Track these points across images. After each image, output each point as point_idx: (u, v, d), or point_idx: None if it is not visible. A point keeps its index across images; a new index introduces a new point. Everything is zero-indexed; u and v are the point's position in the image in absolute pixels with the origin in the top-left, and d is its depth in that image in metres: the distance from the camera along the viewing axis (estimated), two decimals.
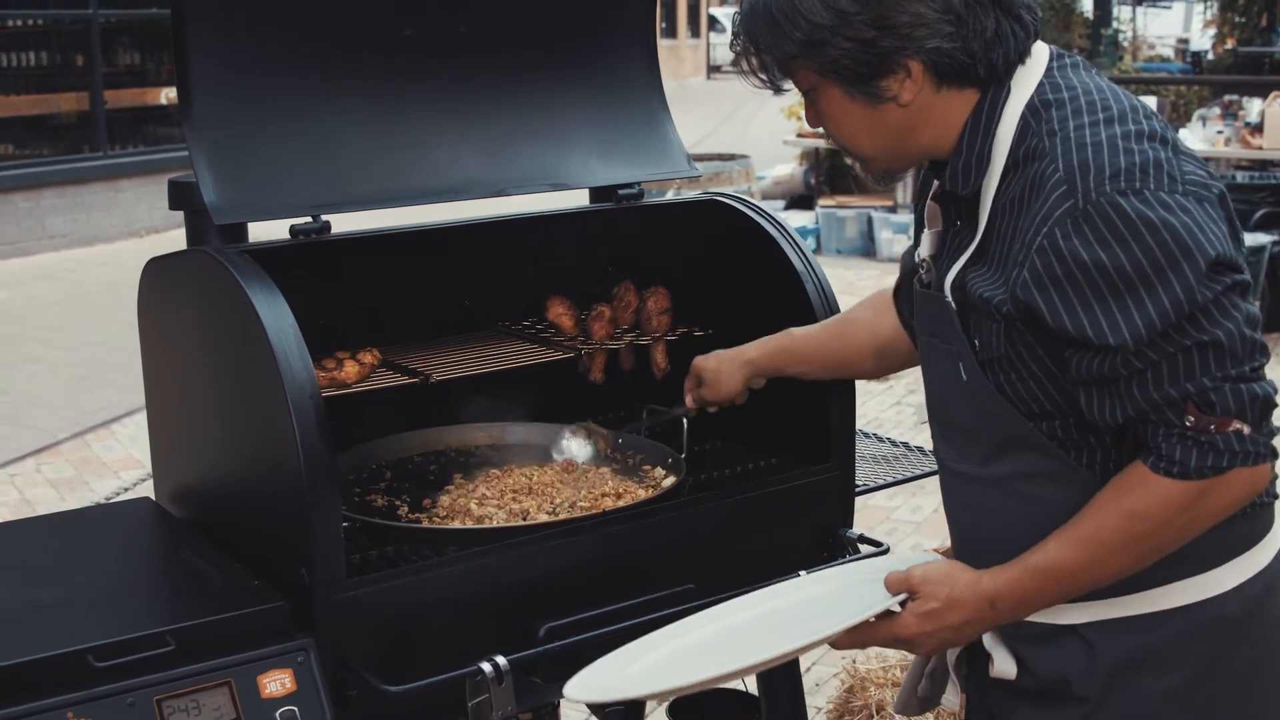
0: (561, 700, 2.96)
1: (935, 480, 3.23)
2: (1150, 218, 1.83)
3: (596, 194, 3.11)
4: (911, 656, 2.42)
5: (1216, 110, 11.94)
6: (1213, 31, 22.36)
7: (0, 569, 2.47)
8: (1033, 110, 1.99)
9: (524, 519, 2.61)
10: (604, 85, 3.04)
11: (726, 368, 2.72)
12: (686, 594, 2.53)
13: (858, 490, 2.90)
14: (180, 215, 2.82)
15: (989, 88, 2.02)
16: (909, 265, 2.39)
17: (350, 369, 2.66)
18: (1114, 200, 1.84)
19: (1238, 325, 1.86)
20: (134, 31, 14.82)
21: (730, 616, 2.30)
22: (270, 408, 2.22)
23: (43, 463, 7.37)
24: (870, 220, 12.69)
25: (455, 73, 2.84)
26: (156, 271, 2.64)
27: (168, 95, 14.46)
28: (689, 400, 2.81)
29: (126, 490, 6.79)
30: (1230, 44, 19.94)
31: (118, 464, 7.29)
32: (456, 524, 2.60)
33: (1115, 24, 21.10)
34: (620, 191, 3.02)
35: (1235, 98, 12.17)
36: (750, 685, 3.11)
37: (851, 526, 2.82)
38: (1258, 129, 11.01)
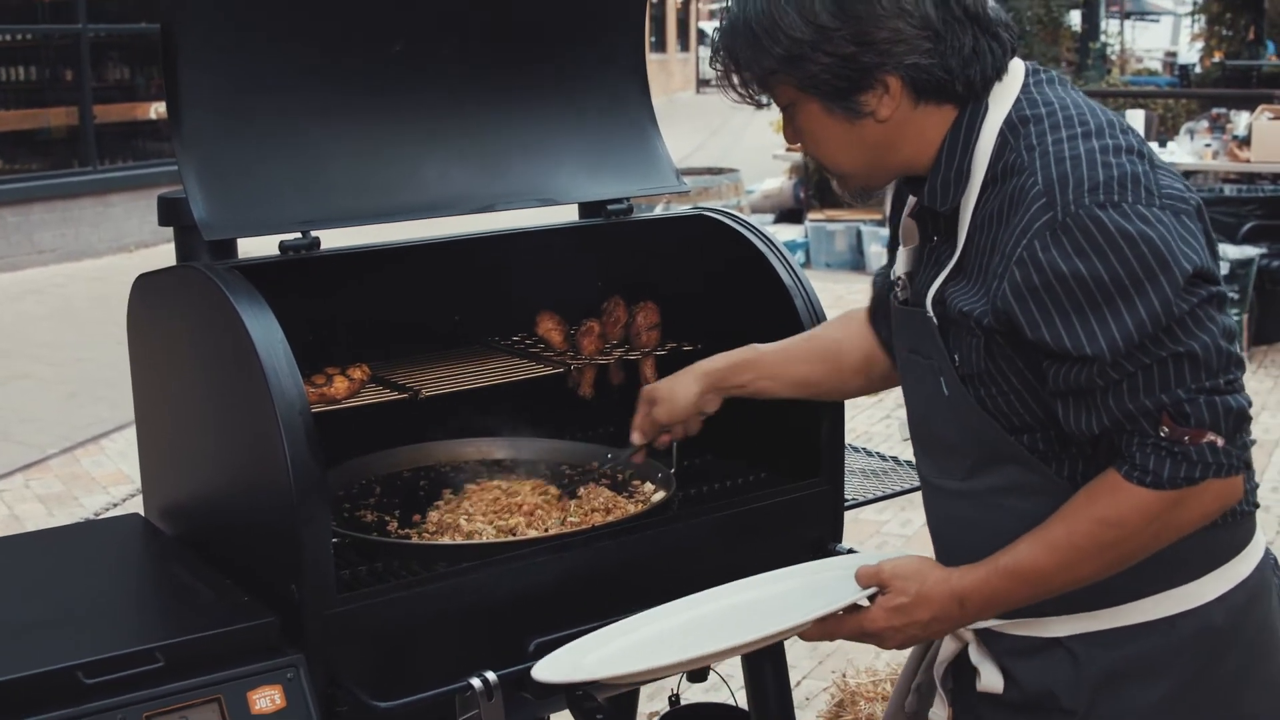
0: (551, 717, 2.95)
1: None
2: (1128, 230, 1.85)
3: (585, 209, 3.11)
4: (901, 671, 2.43)
5: (1204, 123, 11.98)
6: (1200, 45, 22.45)
7: None
8: (1011, 126, 2.00)
9: (513, 534, 2.60)
10: (593, 100, 3.05)
11: (681, 380, 2.65)
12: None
13: (847, 505, 2.90)
14: (170, 230, 2.82)
15: (966, 104, 2.04)
16: (883, 285, 2.40)
17: (340, 385, 2.66)
18: (1093, 213, 1.86)
19: (1213, 338, 1.88)
20: (123, 46, 14.83)
21: (703, 605, 2.32)
22: (260, 423, 2.22)
23: (32, 478, 7.36)
24: (859, 234, 12.71)
25: (444, 88, 2.84)
26: (146, 287, 2.64)
27: (157, 110, 14.47)
28: (636, 431, 2.70)
29: (116, 506, 6.78)
30: (1218, 57, 20.03)
31: (107, 480, 7.28)
32: (446, 539, 2.60)
33: (1103, 37, 21.18)
34: (609, 207, 3.02)
35: (1223, 111, 12.22)
36: (740, 700, 3.10)
37: (841, 541, 2.82)
38: (1245, 142, 11.04)
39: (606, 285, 3.09)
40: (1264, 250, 9.43)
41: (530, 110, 2.94)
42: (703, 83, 42.69)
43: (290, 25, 2.66)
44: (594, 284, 3.10)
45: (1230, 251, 9.27)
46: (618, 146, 3.06)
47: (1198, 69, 20.57)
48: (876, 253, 12.39)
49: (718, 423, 2.83)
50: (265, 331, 2.22)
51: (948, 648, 2.25)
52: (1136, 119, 11.55)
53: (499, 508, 2.73)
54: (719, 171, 12.40)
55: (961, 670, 2.25)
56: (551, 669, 2.17)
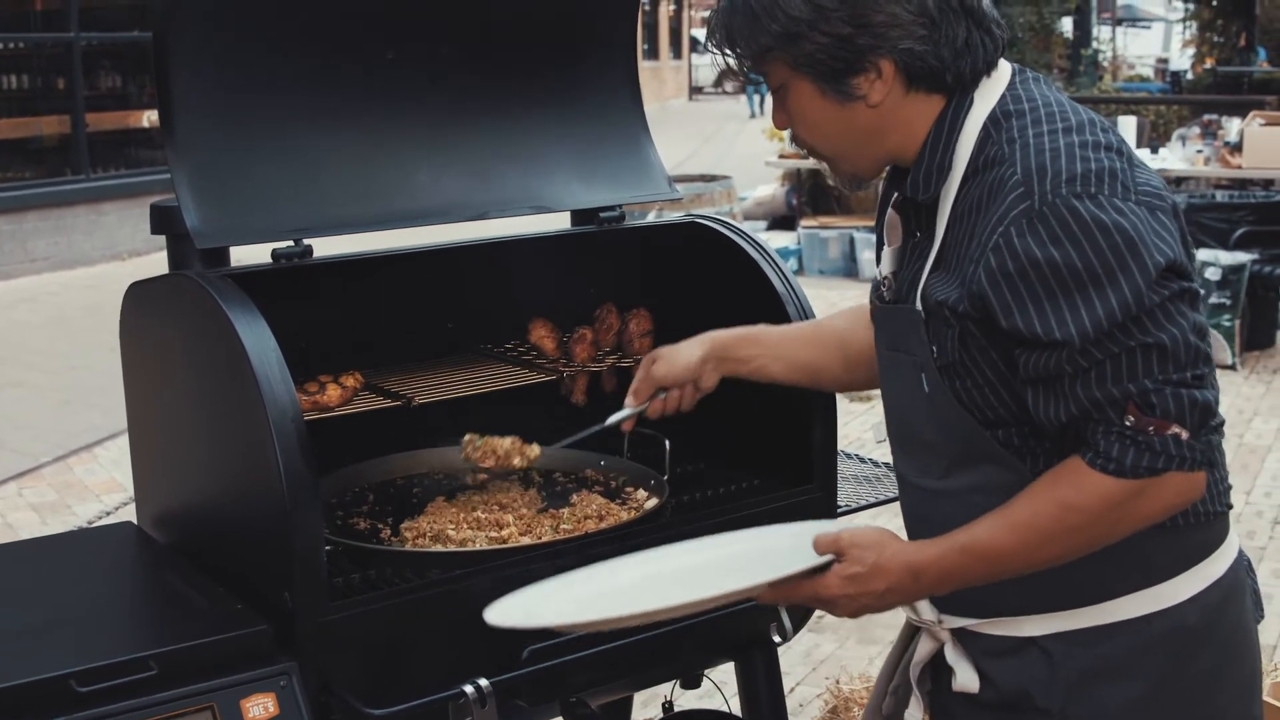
0: None
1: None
2: (1103, 220, 1.87)
3: (578, 217, 3.12)
4: (878, 674, 2.44)
5: (1196, 129, 12.01)
6: (1192, 51, 22.52)
7: None
8: (994, 121, 2.03)
9: (505, 542, 2.61)
10: (585, 108, 3.05)
11: (684, 343, 2.59)
12: None
13: (840, 511, 2.90)
14: (163, 239, 2.82)
15: (953, 96, 2.06)
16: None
17: (333, 392, 2.66)
18: (1069, 203, 1.88)
19: (1183, 331, 1.90)
20: (116, 55, 14.83)
21: (661, 562, 2.33)
22: (252, 431, 2.22)
23: (24, 486, 7.35)
24: (852, 241, 12.72)
25: (437, 96, 2.85)
26: (138, 296, 2.64)
27: (150, 118, 14.46)
28: (631, 394, 2.61)
29: (109, 514, 6.77)
30: (1209, 64, 20.09)
31: (100, 488, 7.27)
32: (439, 547, 2.60)
33: (1095, 44, 21.24)
34: (602, 214, 3.03)
35: (1214, 117, 12.24)
36: (735, 707, 3.11)
37: None
38: (1237, 148, 11.06)
39: (599, 292, 3.09)
40: (1256, 256, 9.45)
41: (522, 118, 2.95)
42: (695, 90, 42.74)
43: (283, 33, 2.66)
44: (587, 291, 3.11)
45: (1222, 257, 9.30)
46: (610, 154, 3.07)
47: (1189, 75, 20.64)
48: (869, 259, 12.37)
49: (710, 429, 2.84)
50: (258, 339, 2.22)
51: (924, 648, 2.27)
52: (1128, 125, 11.57)
53: (496, 511, 2.74)
54: (712, 179, 12.39)
55: (938, 671, 2.26)
56: (502, 614, 2.15)
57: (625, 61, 3.11)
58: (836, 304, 10.27)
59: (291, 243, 2.56)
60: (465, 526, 2.66)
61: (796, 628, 2.84)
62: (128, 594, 2.61)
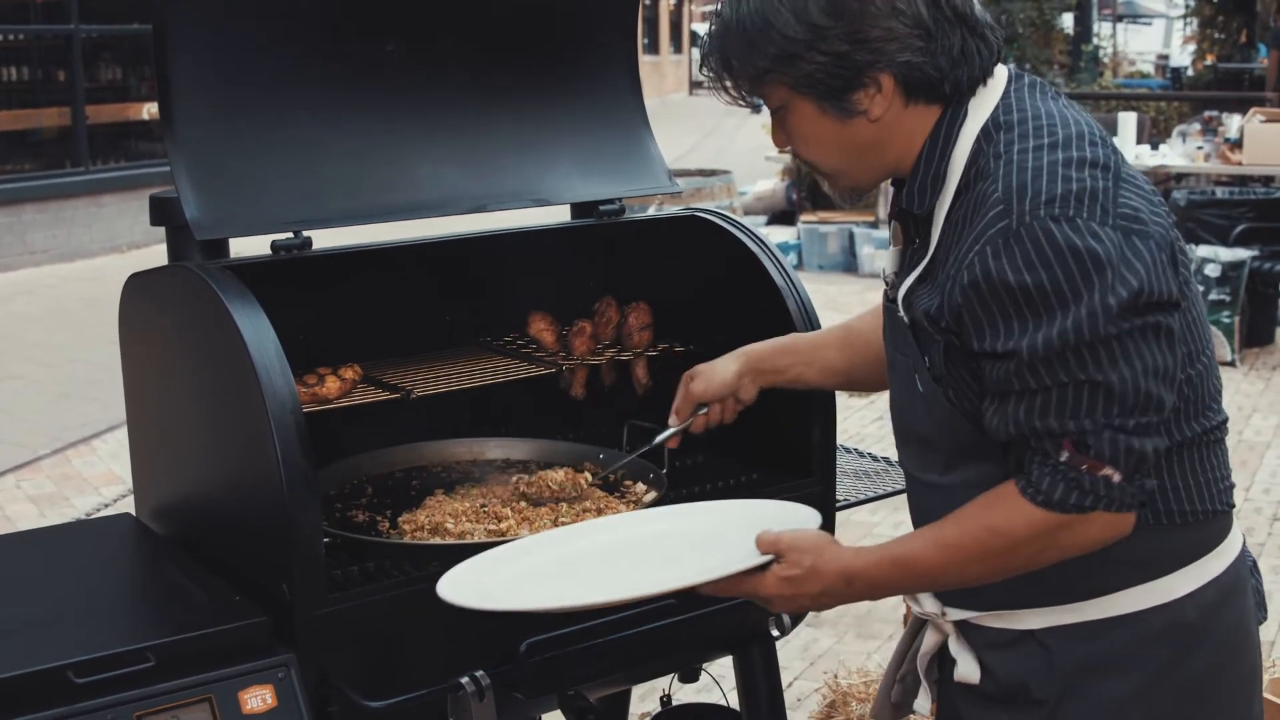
0: (543, 716, 2.96)
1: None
2: (1075, 244, 1.86)
3: (578, 209, 3.12)
4: (887, 664, 2.45)
5: (1196, 126, 12.02)
6: (1193, 48, 22.51)
7: None
8: (986, 133, 2.02)
9: (504, 535, 2.60)
10: (585, 101, 3.05)
11: (721, 359, 2.63)
12: (668, 609, 2.53)
13: (839, 505, 2.90)
14: (162, 231, 2.82)
15: (949, 106, 2.05)
16: None
17: (332, 384, 2.66)
18: (1045, 225, 1.87)
19: (1135, 374, 1.88)
20: (115, 47, 14.82)
21: (619, 530, 2.40)
22: (251, 423, 2.22)
23: (23, 479, 7.35)
24: (852, 235, 12.72)
25: (437, 88, 2.84)
26: (137, 287, 2.64)
27: (149, 110, 14.46)
28: (674, 414, 2.66)
29: (107, 506, 6.77)
30: (1210, 60, 20.09)
31: (99, 480, 7.27)
32: (438, 540, 2.60)
33: (1096, 40, 21.23)
34: (601, 207, 3.02)
35: (1215, 113, 12.25)
36: (733, 700, 3.11)
37: None
38: (1237, 144, 11.06)
39: (598, 286, 3.09)
40: (1256, 252, 9.45)
41: (522, 111, 2.95)
42: (695, 84, 42.68)
43: (283, 25, 2.66)
44: (586, 284, 3.11)
45: (1222, 254, 9.30)
46: (610, 147, 3.06)
47: (1190, 72, 20.64)
48: (869, 254, 12.41)
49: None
50: (257, 331, 2.22)
51: (930, 639, 2.29)
52: (1128, 122, 11.56)
53: (494, 504, 2.74)
54: (711, 173, 12.41)
55: (944, 661, 2.28)
56: (454, 590, 2.17)
57: (625, 54, 3.11)
58: (836, 299, 10.28)
59: (291, 234, 2.56)
60: (464, 519, 2.66)
61: (795, 622, 2.84)
62: (125, 585, 2.61)
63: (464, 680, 2.28)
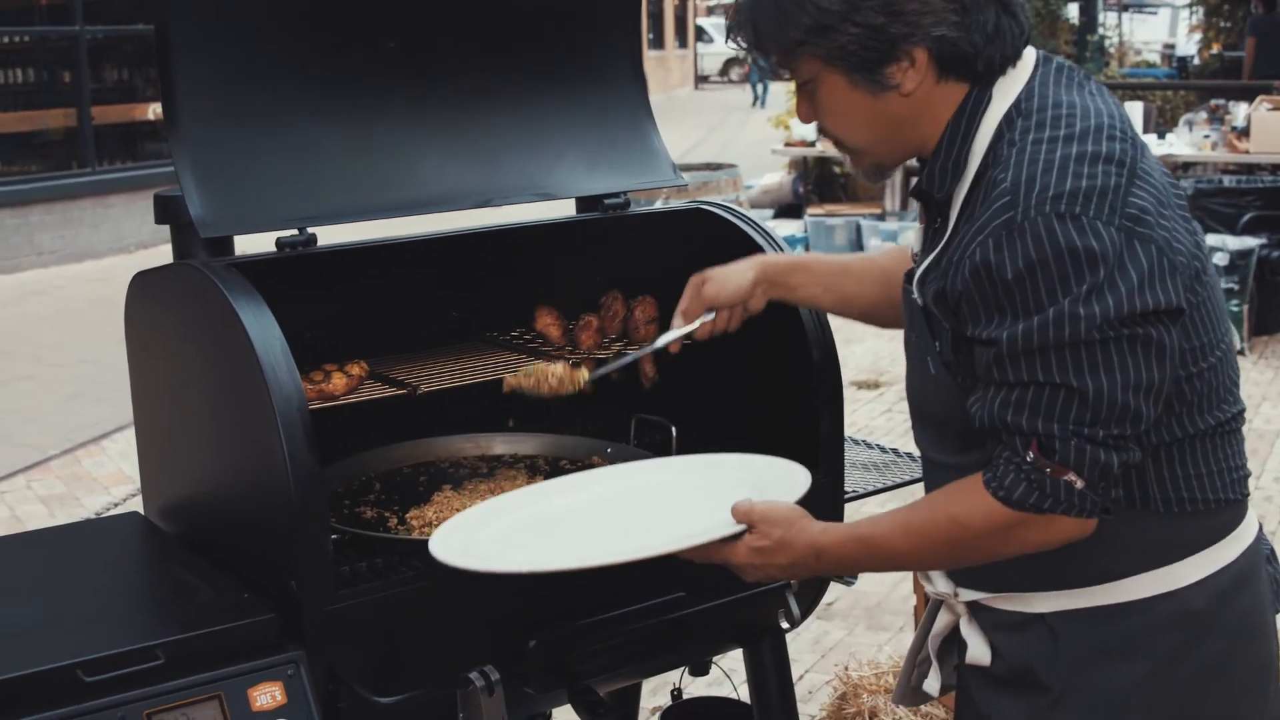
0: (553, 711, 2.96)
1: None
2: (1075, 243, 1.85)
3: (583, 204, 3.11)
4: (902, 659, 2.45)
5: (1203, 115, 11.96)
6: (1198, 37, 22.43)
7: None
8: (1008, 120, 2.01)
9: None
10: (589, 95, 3.05)
11: (736, 264, 2.57)
12: (677, 602, 2.53)
13: (848, 497, 2.90)
14: (169, 230, 2.82)
15: (976, 87, 2.04)
16: None
17: (338, 381, 2.66)
18: (1049, 221, 1.86)
19: (1115, 385, 1.88)
20: (121, 48, 14.82)
21: (612, 483, 2.49)
22: (258, 421, 2.22)
23: (33, 480, 7.36)
24: (859, 228, 12.68)
25: (440, 84, 2.84)
26: (143, 285, 2.64)
27: (155, 111, 14.45)
28: (680, 315, 2.58)
29: (116, 506, 6.78)
30: (1216, 49, 20.02)
31: (108, 480, 7.28)
32: None
33: (1101, 30, 21.15)
34: (606, 201, 3.02)
35: (1221, 102, 12.19)
36: (743, 694, 3.11)
37: None
38: (1244, 133, 11.02)
39: (604, 280, 3.08)
40: (1264, 241, 9.43)
41: (526, 105, 2.94)
42: (701, 79, 42.68)
43: (285, 22, 2.66)
44: (592, 279, 3.10)
45: (1230, 242, 9.27)
46: (614, 141, 3.06)
47: (1196, 60, 20.57)
48: (875, 246, 12.37)
49: (716, 415, 2.83)
50: (262, 328, 2.22)
51: (942, 621, 2.30)
52: (1135, 111, 11.53)
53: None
54: (717, 167, 12.36)
55: (960, 644, 2.28)
56: (443, 547, 2.22)
57: (629, 48, 3.10)
58: None
59: (295, 231, 2.56)
60: None
61: (805, 614, 2.83)
62: (134, 584, 2.61)
63: (473, 675, 2.28)
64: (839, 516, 2.82)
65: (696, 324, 2.57)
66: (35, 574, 2.51)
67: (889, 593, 5.55)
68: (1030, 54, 2.07)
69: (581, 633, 2.44)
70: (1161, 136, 11.71)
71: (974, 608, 2.21)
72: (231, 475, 2.44)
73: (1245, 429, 2.14)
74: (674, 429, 2.89)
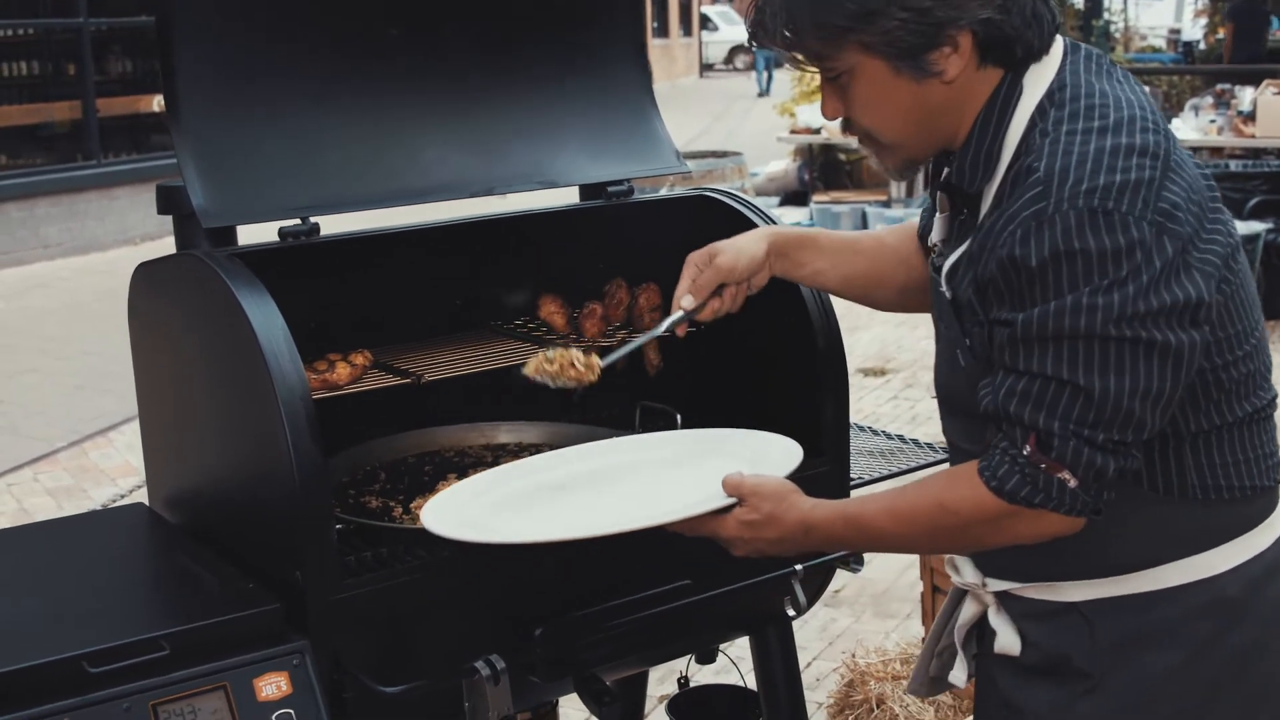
0: (560, 700, 2.96)
1: (931, 473, 3.24)
2: (1103, 239, 1.84)
3: (586, 191, 3.11)
4: (917, 649, 2.44)
5: (1209, 100, 11.94)
6: (1204, 21, 22.37)
7: None
8: (1040, 110, 1.98)
9: None
10: (592, 82, 3.04)
11: (746, 235, 2.46)
12: (683, 590, 2.52)
13: (853, 484, 2.89)
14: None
15: (1008, 76, 2.01)
16: (928, 222, 2.40)
17: (342, 371, 2.65)
18: (1081, 215, 1.84)
19: (1122, 389, 1.86)
20: (125, 39, 14.83)
21: (596, 459, 2.50)
22: (261, 410, 2.22)
23: (40, 472, 7.37)
24: (865, 215, 12.68)
25: (442, 72, 2.83)
26: (146, 276, 2.63)
27: (160, 103, 14.36)
28: (686, 294, 2.43)
29: (123, 497, 6.79)
30: (1222, 33, 19.96)
31: (115, 471, 7.29)
32: None
33: (1106, 15, 21.12)
34: (610, 188, 3.01)
35: (1227, 87, 12.17)
36: (750, 682, 3.10)
37: None
38: (1250, 117, 11.01)
39: (608, 267, 3.08)
40: (1270, 225, 9.41)
41: (528, 93, 2.93)
42: (706, 67, 42.64)
43: (286, 11, 2.65)
44: (596, 266, 3.09)
45: (1236, 227, 9.25)
46: (617, 128, 3.05)
47: (1202, 45, 20.53)
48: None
49: (721, 403, 2.82)
50: (266, 318, 2.22)
51: (968, 611, 2.28)
52: None
53: None
54: (723, 155, 12.36)
55: (982, 634, 2.28)
56: (436, 518, 2.24)
57: (632, 34, 3.09)
58: None
59: (298, 221, 2.55)
60: None
61: (811, 602, 2.83)
62: (139, 575, 2.61)
63: (479, 664, 2.28)
64: None
65: (703, 304, 2.44)
66: (39, 565, 2.51)
67: (896, 580, 5.54)
68: (1059, 41, 2.05)
69: (587, 621, 2.44)
70: (1167, 122, 11.68)
71: (1003, 597, 2.20)
72: (236, 465, 2.43)
73: None
74: (679, 416, 2.89)
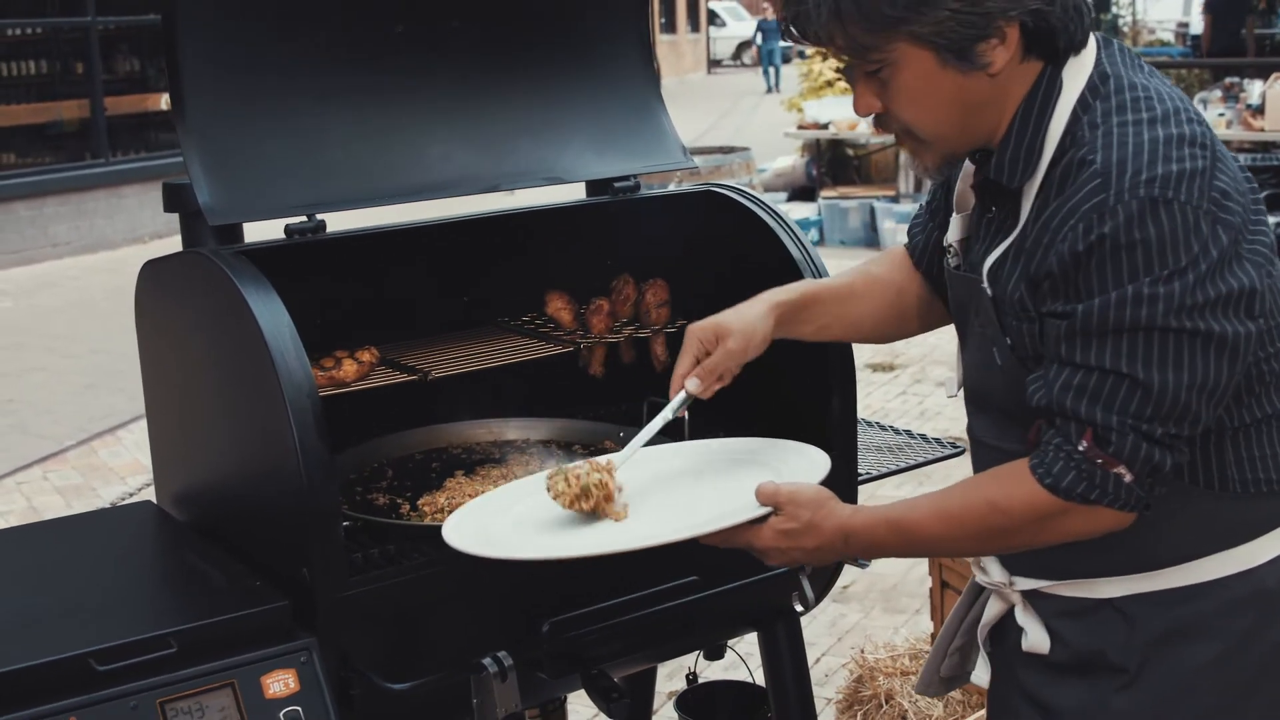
0: (568, 696, 2.95)
1: (942, 468, 3.23)
2: (1164, 228, 1.83)
3: (592, 187, 3.10)
4: (926, 644, 2.43)
5: (1218, 93, 11.92)
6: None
7: (1, 574, 2.47)
8: (1082, 102, 1.97)
9: None
10: (598, 78, 3.03)
11: (751, 312, 2.34)
12: (691, 585, 2.52)
13: (861, 479, 2.89)
14: None
15: (1047, 70, 2.00)
16: (922, 234, 2.39)
17: (349, 368, 2.65)
18: (1144, 205, 1.84)
19: (1180, 383, 1.86)
20: (133, 38, 14.86)
21: (633, 469, 2.35)
22: (268, 408, 2.21)
23: (49, 470, 7.38)
24: (873, 210, 12.69)
25: (448, 69, 2.83)
26: (153, 274, 2.63)
27: (168, 101, 14.45)
28: (694, 378, 2.32)
29: (132, 495, 6.80)
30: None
31: (124, 470, 7.30)
32: None
33: (1115, 9, 21.07)
34: (616, 184, 3.01)
35: (1236, 80, 12.15)
36: (759, 678, 3.10)
37: None
38: (1259, 111, 10.98)
39: (615, 263, 3.07)
40: (1279, 219, 9.39)
41: (535, 89, 2.93)
42: (714, 63, 42.61)
43: (291, 8, 2.65)
44: (603, 262, 3.09)
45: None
46: (624, 124, 3.05)
47: None
48: (890, 229, 12.36)
49: (728, 398, 2.81)
50: (272, 316, 2.22)
51: (993, 609, 2.27)
52: None
53: None
54: (730, 150, 12.36)
55: (1004, 631, 2.26)
56: (457, 534, 2.19)
57: (638, 30, 3.09)
58: None
59: (304, 218, 2.55)
60: None
61: (819, 597, 2.82)
62: (147, 573, 2.61)
63: (486, 661, 2.28)
64: (852, 498, 2.81)
65: (705, 388, 2.33)
66: (48, 563, 2.51)
67: (905, 575, 5.54)
68: (1091, 36, 2.04)
69: (595, 617, 2.44)
70: None
71: (1030, 595, 2.18)
72: (243, 463, 2.43)
73: None
74: (686, 412, 2.88)
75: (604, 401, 3.17)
